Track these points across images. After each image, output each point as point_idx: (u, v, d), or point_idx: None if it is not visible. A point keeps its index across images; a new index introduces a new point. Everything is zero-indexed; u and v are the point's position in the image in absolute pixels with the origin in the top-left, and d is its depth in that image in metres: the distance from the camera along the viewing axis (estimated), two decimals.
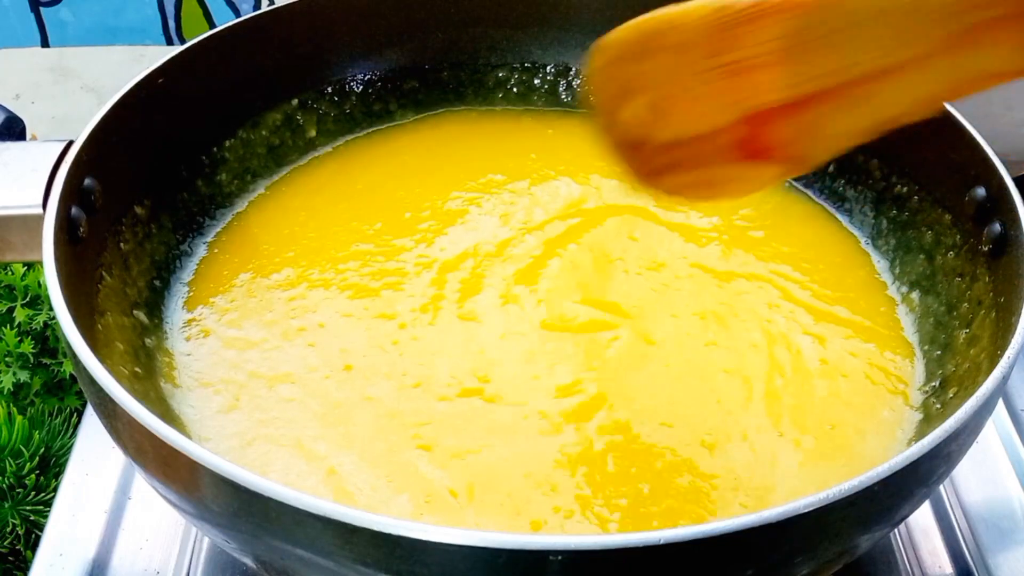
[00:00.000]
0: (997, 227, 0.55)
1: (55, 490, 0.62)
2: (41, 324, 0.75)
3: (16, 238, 0.54)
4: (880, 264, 0.64)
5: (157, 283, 0.60)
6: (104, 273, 0.56)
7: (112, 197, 0.57)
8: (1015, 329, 0.48)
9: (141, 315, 0.58)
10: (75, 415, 0.73)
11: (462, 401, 0.54)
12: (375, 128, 0.74)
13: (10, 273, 0.75)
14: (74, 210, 0.53)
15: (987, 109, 0.85)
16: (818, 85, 0.37)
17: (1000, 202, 0.55)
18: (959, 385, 0.54)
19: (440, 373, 0.55)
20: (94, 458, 0.63)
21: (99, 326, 0.53)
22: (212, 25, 0.83)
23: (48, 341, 0.75)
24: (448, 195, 0.67)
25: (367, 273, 0.62)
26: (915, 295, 0.61)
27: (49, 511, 0.61)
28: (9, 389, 0.72)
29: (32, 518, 0.66)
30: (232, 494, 0.40)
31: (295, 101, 0.71)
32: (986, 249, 0.56)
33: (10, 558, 0.66)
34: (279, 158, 0.70)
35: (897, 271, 0.63)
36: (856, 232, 0.67)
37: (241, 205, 0.67)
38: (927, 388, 0.56)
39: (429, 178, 0.69)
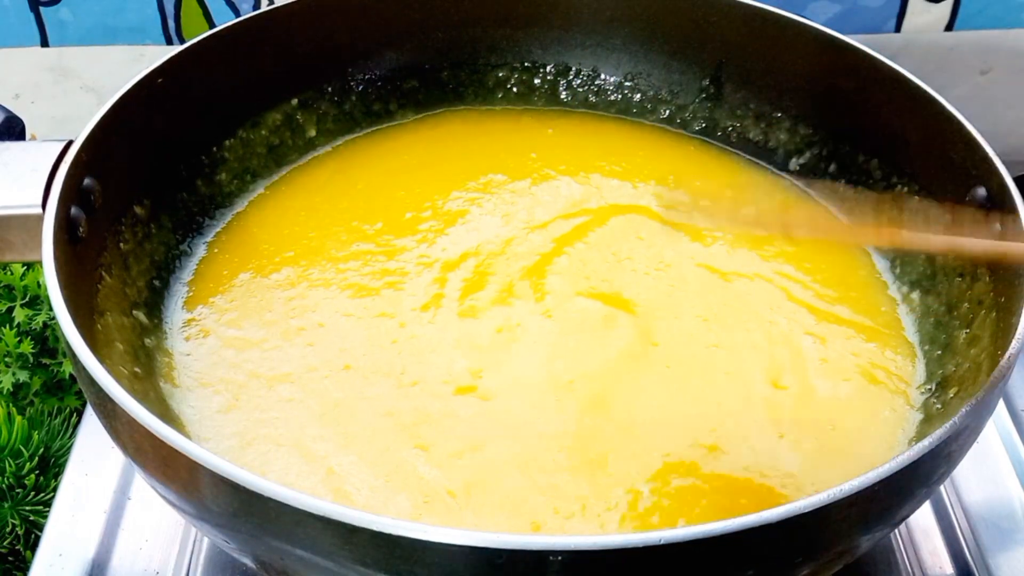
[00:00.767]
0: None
1: (55, 490, 0.62)
2: (41, 324, 0.75)
3: (16, 238, 0.54)
4: (881, 264, 0.64)
5: (157, 283, 0.60)
6: (104, 273, 0.56)
7: (112, 197, 0.57)
8: (1015, 329, 0.48)
9: (141, 315, 0.58)
10: (75, 415, 0.73)
11: (461, 400, 0.54)
12: (375, 128, 0.74)
13: (9, 273, 0.75)
14: (74, 210, 0.53)
15: (988, 108, 0.85)
16: None
17: (1000, 202, 0.54)
18: (959, 385, 0.54)
19: (439, 372, 0.55)
20: (94, 458, 0.63)
21: (99, 326, 0.53)
22: (212, 25, 0.83)
23: (48, 341, 0.75)
24: (448, 195, 0.67)
25: (367, 273, 0.62)
26: (916, 295, 0.61)
27: (49, 511, 0.61)
28: (9, 389, 0.72)
29: (32, 518, 0.66)
30: (231, 494, 0.40)
31: (295, 101, 0.71)
32: None
33: (10, 558, 0.66)
34: (279, 158, 0.70)
35: (898, 271, 0.63)
36: None
37: (241, 205, 0.67)
38: (927, 388, 0.56)
39: (429, 178, 0.69)
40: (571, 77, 0.76)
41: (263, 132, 0.69)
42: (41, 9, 0.82)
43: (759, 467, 0.51)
